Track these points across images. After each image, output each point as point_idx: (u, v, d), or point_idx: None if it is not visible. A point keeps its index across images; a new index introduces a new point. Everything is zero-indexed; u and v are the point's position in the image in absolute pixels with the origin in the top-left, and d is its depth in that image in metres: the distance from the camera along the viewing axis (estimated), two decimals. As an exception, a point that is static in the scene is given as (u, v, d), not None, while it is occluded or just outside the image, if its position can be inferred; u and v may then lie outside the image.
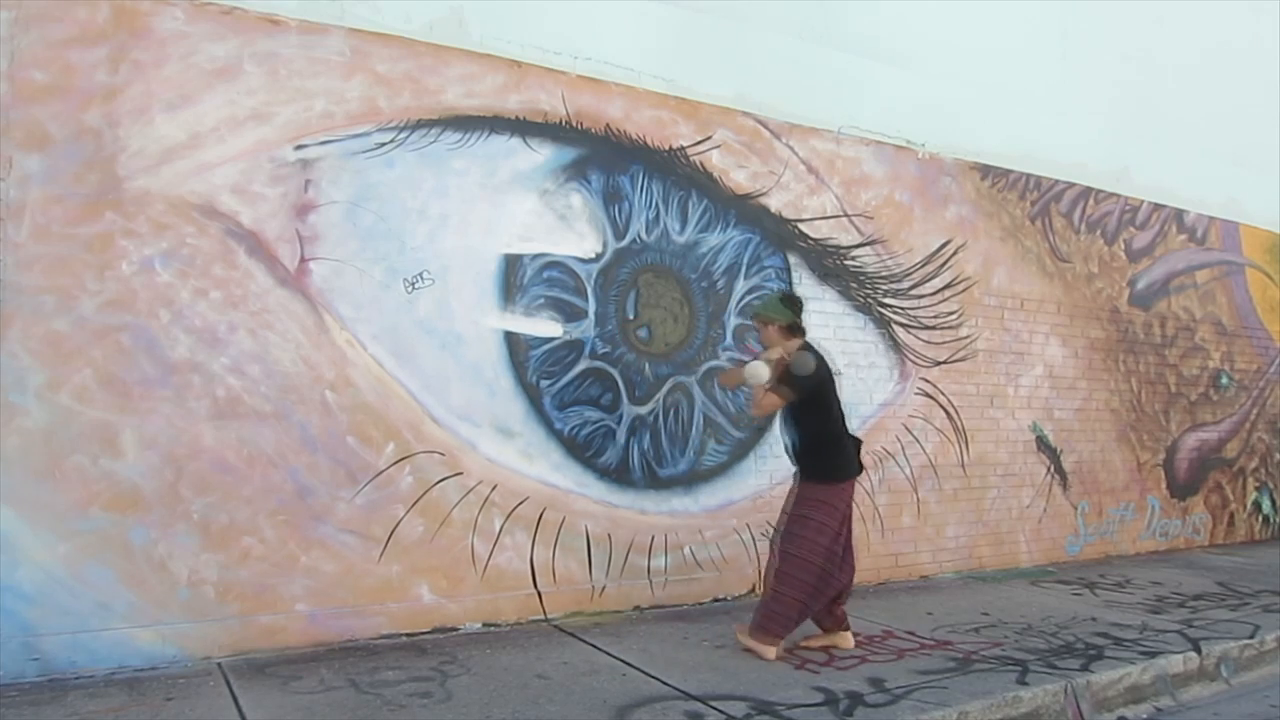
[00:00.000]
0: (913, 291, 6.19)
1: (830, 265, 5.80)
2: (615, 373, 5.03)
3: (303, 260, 4.21)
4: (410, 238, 4.46)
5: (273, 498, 4.09)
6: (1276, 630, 4.93)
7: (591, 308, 4.97)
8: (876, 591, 5.72)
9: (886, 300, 6.04)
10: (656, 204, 5.19)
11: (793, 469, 4.40)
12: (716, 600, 5.28)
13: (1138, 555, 7.51)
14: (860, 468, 4.34)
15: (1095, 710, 3.96)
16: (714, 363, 5.37)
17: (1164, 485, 7.82)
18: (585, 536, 4.87)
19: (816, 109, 5.79)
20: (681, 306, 5.28)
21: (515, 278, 4.74)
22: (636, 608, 5.02)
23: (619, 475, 5.01)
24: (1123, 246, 7.54)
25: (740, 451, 5.44)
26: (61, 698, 3.44)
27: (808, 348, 4.28)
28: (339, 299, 4.28)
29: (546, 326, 4.83)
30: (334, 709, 3.40)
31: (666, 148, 5.22)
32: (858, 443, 4.39)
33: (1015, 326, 6.79)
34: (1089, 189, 7.28)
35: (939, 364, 6.30)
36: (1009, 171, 6.77)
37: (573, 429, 4.88)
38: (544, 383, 4.80)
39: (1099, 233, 7.37)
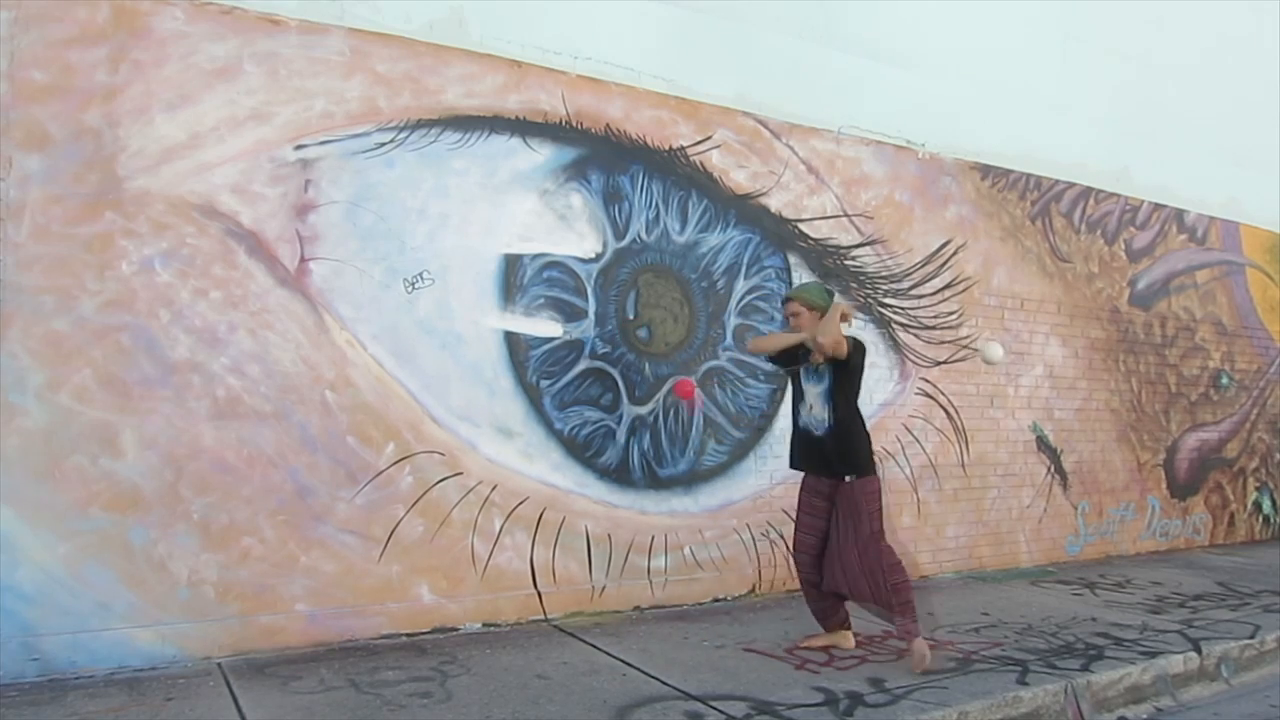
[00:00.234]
0: (913, 291, 6.19)
1: (830, 265, 5.79)
2: (615, 373, 5.03)
3: (303, 260, 4.21)
4: (410, 238, 4.46)
5: (273, 498, 4.09)
6: (1276, 630, 4.93)
7: (591, 308, 4.97)
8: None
9: (886, 300, 6.04)
10: (656, 204, 5.19)
11: (798, 472, 4.39)
12: (716, 600, 5.28)
13: (1138, 555, 7.51)
14: None
15: (1095, 710, 3.96)
16: (714, 362, 5.37)
17: (1164, 485, 7.82)
18: (585, 536, 4.87)
19: (816, 109, 5.79)
20: (681, 306, 5.28)
21: (515, 278, 4.74)
22: (636, 608, 5.02)
23: (619, 475, 5.01)
24: (1123, 246, 7.54)
25: (740, 451, 5.44)
26: (61, 698, 3.44)
27: None
28: (339, 299, 4.28)
29: (546, 326, 4.83)
30: (334, 709, 3.40)
31: (666, 148, 5.22)
32: None
33: (1015, 326, 6.79)
34: (1089, 189, 7.28)
35: (939, 364, 6.30)
36: (1009, 171, 6.77)
37: (573, 429, 4.88)
38: (544, 383, 4.80)
39: (1099, 233, 7.37)
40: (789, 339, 4.30)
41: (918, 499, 6.16)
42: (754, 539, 5.43)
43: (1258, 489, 8.71)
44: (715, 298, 5.39)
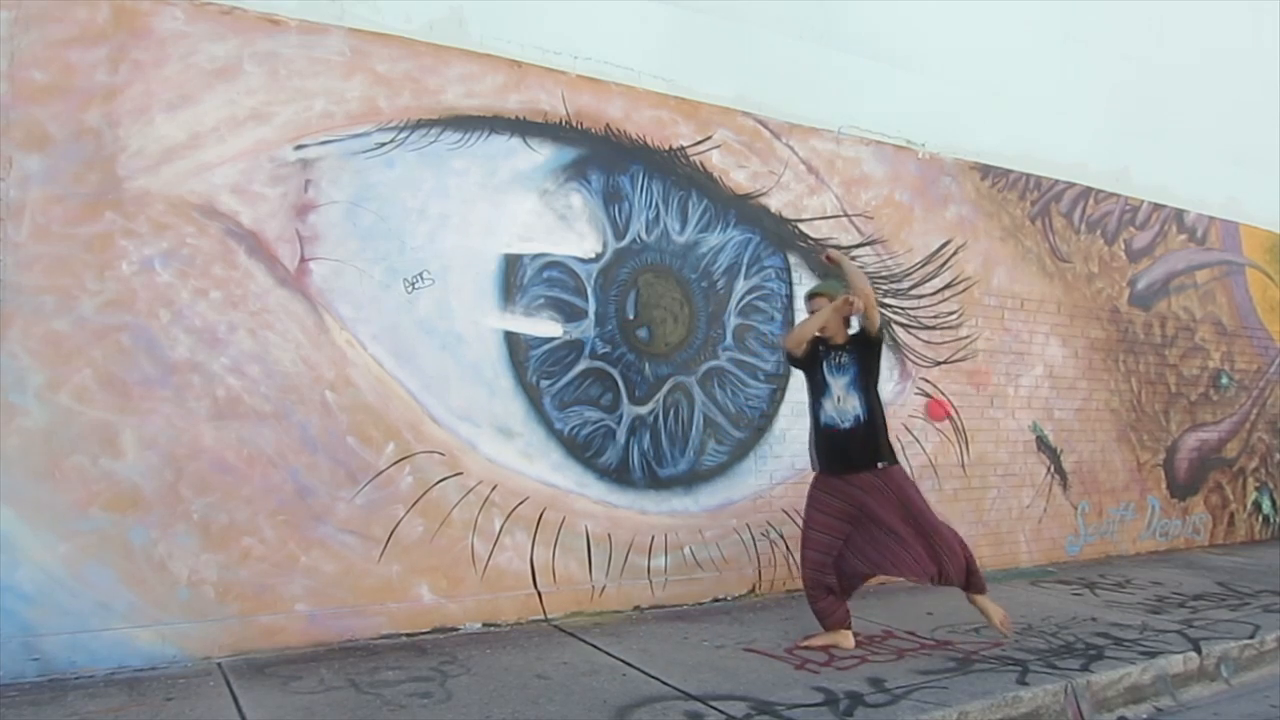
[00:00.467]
0: (913, 291, 6.19)
1: (830, 265, 5.78)
2: (615, 373, 5.03)
3: (303, 260, 4.21)
4: (410, 238, 4.46)
5: (273, 498, 4.09)
6: (1276, 630, 4.92)
7: (591, 308, 4.97)
8: (876, 591, 5.70)
9: (886, 300, 6.04)
10: (656, 204, 5.19)
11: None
12: (716, 600, 5.28)
13: (1138, 555, 7.51)
14: None
15: (1095, 710, 3.96)
16: (714, 362, 5.37)
17: (1164, 485, 7.82)
18: (585, 536, 4.87)
19: (816, 109, 5.79)
20: (681, 306, 5.28)
21: (515, 278, 4.74)
22: (636, 608, 5.02)
23: (619, 475, 5.01)
24: (1123, 246, 7.54)
25: (740, 451, 5.44)
26: (61, 698, 3.44)
27: None
28: (339, 299, 4.28)
29: (546, 326, 4.83)
30: (334, 709, 3.40)
31: (666, 148, 5.22)
32: None
33: (1015, 326, 6.79)
34: (1089, 189, 7.28)
35: (939, 364, 6.30)
36: (1009, 171, 6.77)
37: (573, 429, 4.88)
38: (544, 383, 4.80)
39: (1099, 233, 7.37)
40: (820, 316, 4.33)
41: (918, 499, 6.15)
42: (754, 539, 5.43)
43: (1257, 489, 8.71)
44: (715, 298, 5.39)
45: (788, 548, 5.52)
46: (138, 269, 3.86)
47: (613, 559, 4.95)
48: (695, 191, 5.32)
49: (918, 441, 6.15)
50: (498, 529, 4.61)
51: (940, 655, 4.27)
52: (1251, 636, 4.79)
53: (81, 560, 3.71)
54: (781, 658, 4.17)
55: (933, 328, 6.28)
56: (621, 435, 5.03)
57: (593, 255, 4.98)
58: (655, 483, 5.13)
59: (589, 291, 4.96)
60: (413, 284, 4.45)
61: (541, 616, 4.73)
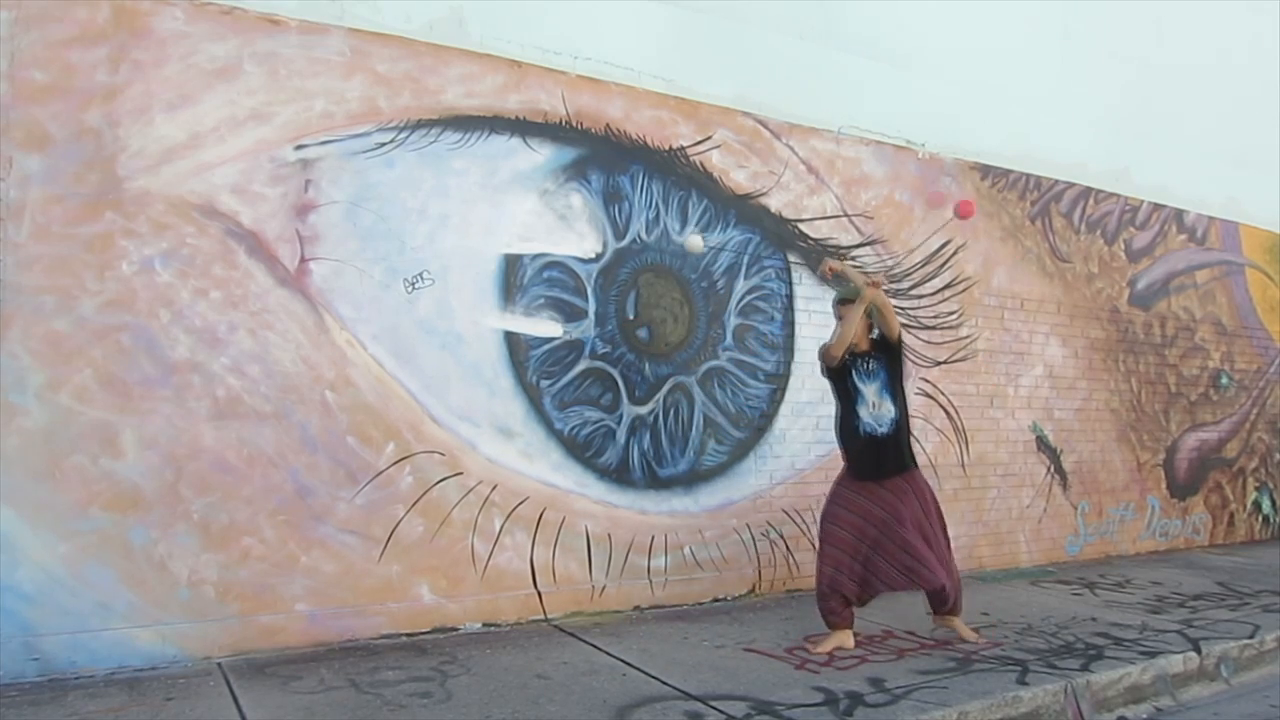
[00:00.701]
0: (913, 291, 6.20)
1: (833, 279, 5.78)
2: (615, 373, 5.03)
3: (303, 260, 4.21)
4: (410, 238, 4.46)
5: (273, 498, 4.09)
6: (1276, 630, 4.93)
7: (591, 308, 4.97)
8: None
9: (886, 300, 6.03)
10: (656, 204, 5.19)
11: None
12: (716, 600, 5.28)
13: (1138, 555, 7.51)
14: None
15: (1095, 710, 3.96)
16: (714, 362, 5.37)
17: (1164, 485, 7.82)
18: (585, 536, 4.87)
19: (816, 109, 5.79)
20: (681, 306, 5.28)
21: (515, 278, 4.74)
22: (636, 608, 5.02)
23: (619, 475, 5.01)
24: (1123, 246, 7.54)
25: (740, 451, 5.44)
26: (61, 698, 3.44)
27: None
28: (339, 299, 4.28)
29: (546, 326, 4.83)
30: (334, 709, 3.40)
31: (666, 148, 5.22)
32: None
33: (1015, 326, 6.79)
34: (1089, 189, 7.28)
35: (939, 364, 6.30)
36: (1009, 171, 6.77)
37: (573, 429, 4.88)
38: (544, 383, 4.80)
39: (1099, 233, 7.37)
40: (855, 315, 4.35)
41: (918, 499, 6.15)
42: (754, 539, 5.43)
43: (1257, 489, 8.71)
44: (715, 298, 5.39)
45: (788, 548, 5.52)
46: (138, 269, 3.86)
47: (613, 559, 4.95)
48: (695, 191, 5.32)
49: (918, 441, 6.11)
50: (498, 529, 4.61)
51: (940, 655, 4.27)
52: (1251, 636, 4.79)
53: (81, 560, 3.71)
54: (781, 658, 4.17)
55: (933, 328, 6.28)
56: (621, 435, 5.03)
57: (593, 255, 4.98)
58: (655, 483, 5.12)
59: (589, 291, 4.96)
60: (413, 284, 4.46)
61: (541, 616, 4.73)
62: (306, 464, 4.17)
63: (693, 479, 5.26)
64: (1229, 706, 4.23)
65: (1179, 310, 7.98)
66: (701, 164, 5.34)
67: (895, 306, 6.03)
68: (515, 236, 4.74)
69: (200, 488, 3.94)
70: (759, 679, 3.84)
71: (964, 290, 6.47)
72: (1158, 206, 7.79)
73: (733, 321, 5.45)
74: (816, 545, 4.48)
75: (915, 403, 6.14)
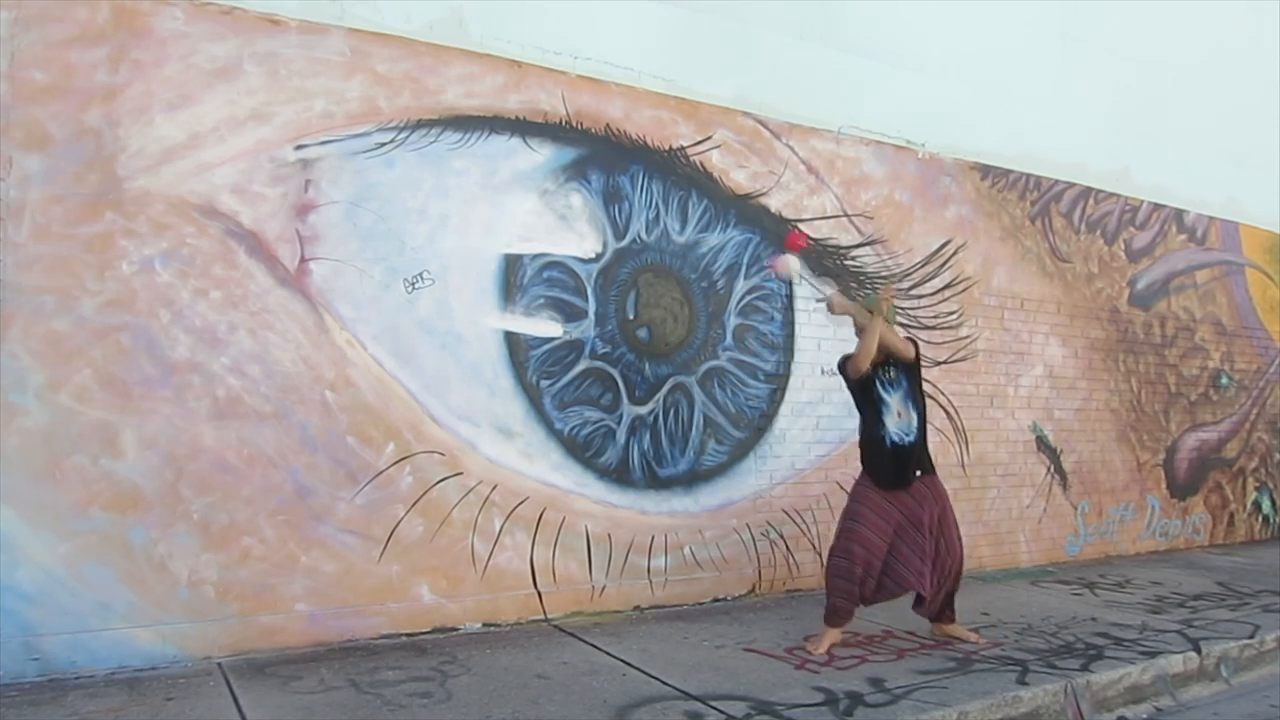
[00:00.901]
0: (913, 291, 6.20)
1: (830, 265, 5.79)
2: (615, 373, 5.03)
3: (303, 260, 4.21)
4: (410, 238, 4.46)
5: (273, 498, 4.09)
6: (1276, 630, 4.93)
7: (591, 308, 4.97)
8: (876, 591, 5.72)
9: (886, 300, 6.03)
10: (656, 204, 5.19)
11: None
12: (716, 600, 5.28)
13: (1138, 555, 7.51)
14: None
15: (1095, 710, 3.96)
16: (714, 362, 5.37)
17: (1164, 485, 7.82)
18: (585, 536, 4.87)
19: (816, 109, 5.79)
20: (681, 306, 5.28)
21: (515, 278, 4.74)
22: (636, 608, 5.02)
23: (619, 475, 5.01)
24: (1123, 246, 7.54)
25: (740, 451, 5.44)
26: (61, 698, 3.44)
27: None
28: (339, 299, 4.28)
29: (546, 326, 4.83)
30: (334, 709, 3.40)
31: (666, 148, 5.22)
32: None
33: (1015, 326, 6.79)
34: (1089, 189, 7.28)
35: (939, 364, 6.30)
36: (1009, 171, 6.77)
37: (573, 429, 4.87)
38: (544, 383, 4.80)
39: (1099, 233, 7.37)
40: (875, 328, 4.35)
41: (918, 499, 6.15)
42: (754, 539, 5.43)
43: (1257, 489, 8.71)
44: (715, 298, 5.39)
45: (788, 548, 5.52)
46: (138, 269, 3.86)
47: (613, 559, 4.95)
48: (695, 191, 5.32)
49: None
50: (498, 529, 4.61)
51: (940, 655, 4.27)
52: (1251, 636, 4.79)
53: (81, 560, 3.71)
54: (781, 658, 4.17)
55: (933, 328, 6.28)
56: (621, 435, 5.03)
57: (593, 255, 4.98)
58: (655, 483, 5.12)
59: (589, 291, 4.96)
60: (413, 284, 4.46)
61: (541, 616, 4.73)
62: (306, 464, 4.17)
63: (693, 479, 5.26)
64: (1229, 706, 4.23)
65: (1179, 310, 7.98)
66: (701, 164, 5.34)
67: (895, 307, 6.05)
68: (515, 236, 4.74)
69: (200, 488, 3.94)
70: (759, 679, 3.84)
71: (964, 290, 6.47)
72: (1158, 206, 7.79)
73: (733, 321, 5.45)
74: (835, 540, 4.44)
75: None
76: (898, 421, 4.40)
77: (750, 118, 5.52)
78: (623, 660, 4.09)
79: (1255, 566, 7.09)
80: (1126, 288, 7.57)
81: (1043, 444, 6.94)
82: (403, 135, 4.43)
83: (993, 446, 6.61)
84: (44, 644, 3.64)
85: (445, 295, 4.53)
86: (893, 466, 4.40)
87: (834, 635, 4.33)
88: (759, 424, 5.52)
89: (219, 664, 3.89)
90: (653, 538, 5.08)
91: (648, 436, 5.12)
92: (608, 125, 5.02)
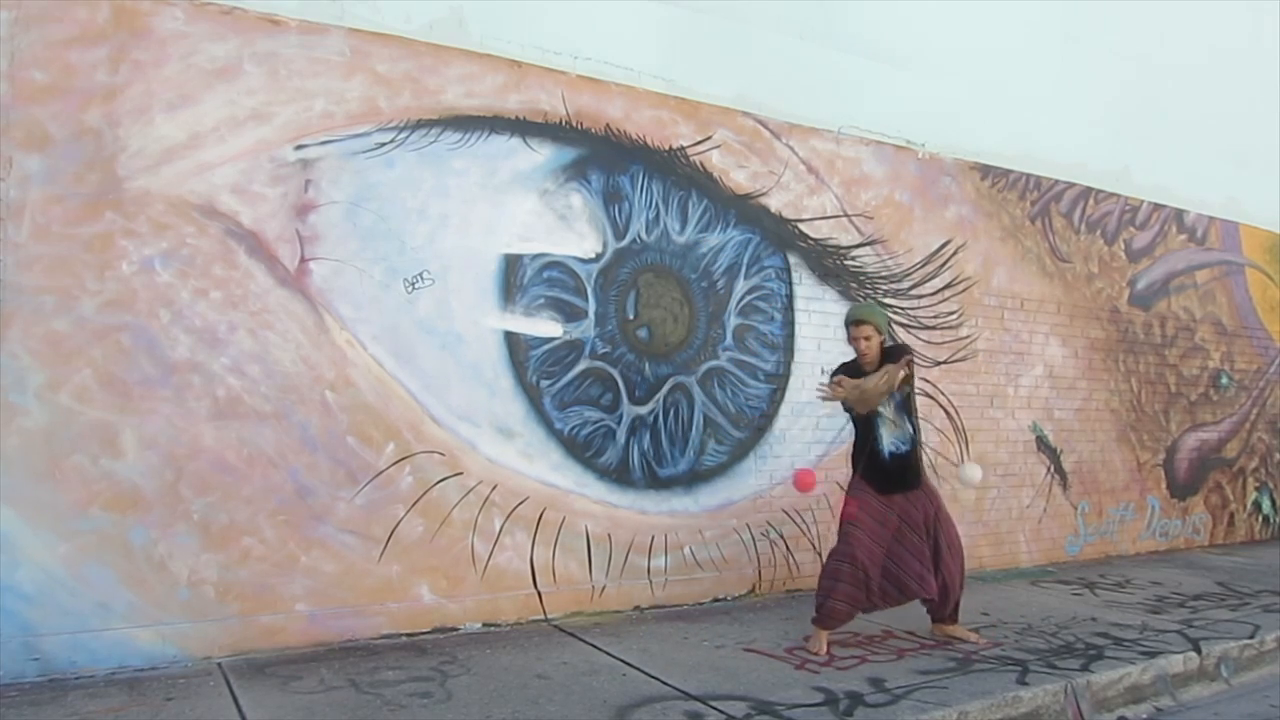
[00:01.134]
0: (913, 291, 6.20)
1: (830, 265, 5.80)
2: (615, 373, 5.03)
3: (303, 260, 4.21)
4: (410, 238, 4.46)
5: (273, 498, 4.09)
6: (1276, 630, 4.93)
7: (591, 308, 4.97)
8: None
9: (886, 300, 6.04)
10: (656, 204, 5.19)
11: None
12: (716, 600, 5.28)
13: (1138, 555, 7.51)
14: None
15: (1095, 710, 3.96)
16: (714, 362, 5.37)
17: (1164, 485, 7.82)
18: (585, 536, 4.87)
19: (816, 109, 5.79)
20: (681, 306, 5.28)
21: (515, 278, 4.74)
22: (636, 608, 5.02)
23: (619, 475, 5.01)
24: (1123, 246, 7.54)
25: (740, 451, 5.44)
26: (61, 698, 3.44)
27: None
28: (339, 299, 4.28)
29: (546, 326, 4.83)
30: (334, 709, 3.40)
31: (666, 148, 5.22)
32: None
33: (1015, 326, 6.79)
34: (1089, 189, 7.28)
35: (939, 364, 6.30)
36: (1009, 171, 6.77)
37: (573, 429, 4.87)
38: (544, 383, 4.80)
39: (1099, 233, 7.37)
40: (885, 383, 4.27)
41: (918, 499, 6.15)
42: (754, 539, 5.43)
43: (1257, 489, 8.71)
44: (715, 298, 5.39)
45: (788, 548, 5.52)
46: (138, 269, 3.86)
47: (613, 559, 4.95)
48: (695, 191, 5.32)
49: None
50: (498, 529, 4.61)
51: (940, 655, 4.27)
52: (1251, 636, 4.79)
53: (81, 560, 3.71)
54: (781, 658, 4.17)
55: (933, 328, 6.28)
56: (621, 435, 5.03)
57: (593, 255, 4.98)
58: (655, 483, 5.12)
59: (589, 291, 4.96)
60: (413, 284, 4.46)
61: (541, 616, 4.73)
62: (306, 464, 4.17)
63: (693, 479, 5.26)
64: (1229, 706, 4.23)
65: (1179, 310, 7.98)
66: (701, 164, 5.34)
67: (895, 307, 6.06)
68: (515, 236, 4.74)
69: (200, 488, 3.94)
70: (759, 679, 3.84)
71: (964, 290, 6.47)
72: (1158, 206, 7.79)
73: (733, 321, 5.45)
74: (836, 545, 4.42)
75: (915, 403, 6.14)
76: (894, 432, 4.42)
77: (750, 118, 5.52)
78: (623, 660, 4.09)
79: (1255, 566, 7.09)
80: (1126, 288, 7.57)
81: (1043, 444, 6.94)
82: (403, 135, 4.43)
83: (993, 446, 6.61)
84: (44, 644, 3.64)
85: (445, 295, 4.53)
86: (888, 475, 4.41)
87: (825, 635, 4.32)
88: (759, 424, 5.52)
89: (219, 664, 3.89)
90: (653, 538, 5.08)
91: (648, 436, 5.12)
92: (608, 125, 5.02)
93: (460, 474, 4.52)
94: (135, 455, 3.82)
